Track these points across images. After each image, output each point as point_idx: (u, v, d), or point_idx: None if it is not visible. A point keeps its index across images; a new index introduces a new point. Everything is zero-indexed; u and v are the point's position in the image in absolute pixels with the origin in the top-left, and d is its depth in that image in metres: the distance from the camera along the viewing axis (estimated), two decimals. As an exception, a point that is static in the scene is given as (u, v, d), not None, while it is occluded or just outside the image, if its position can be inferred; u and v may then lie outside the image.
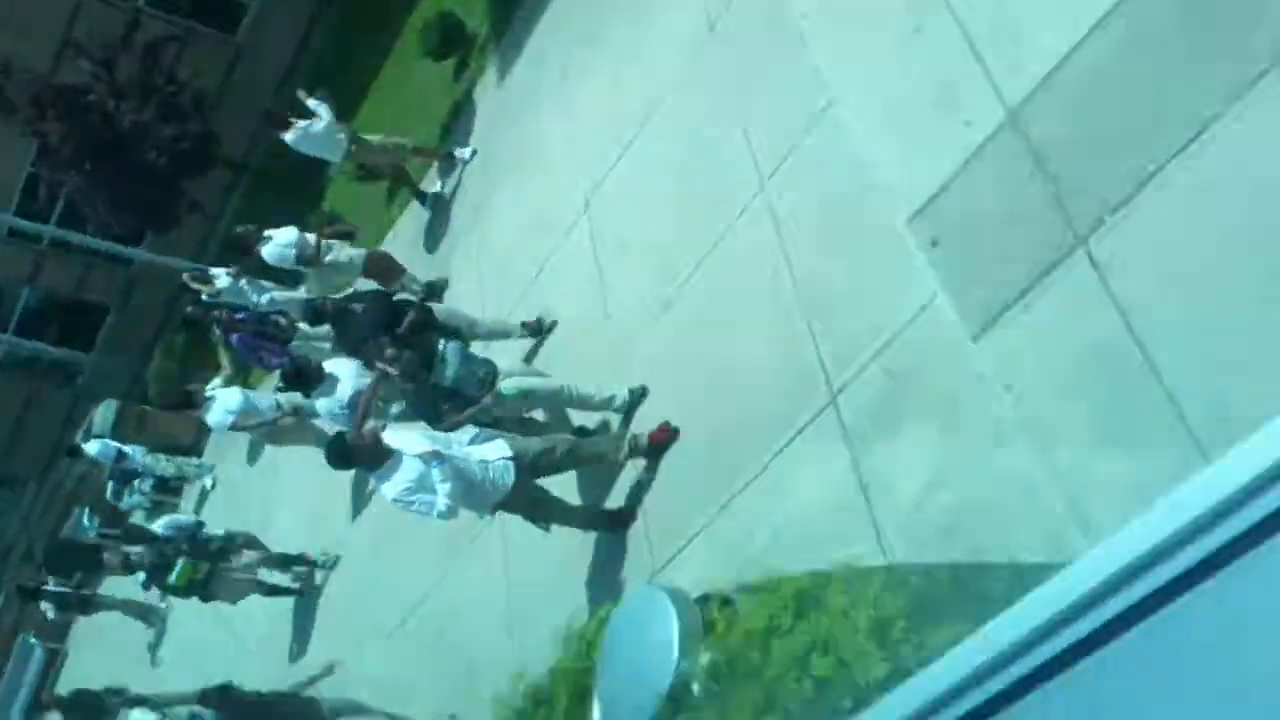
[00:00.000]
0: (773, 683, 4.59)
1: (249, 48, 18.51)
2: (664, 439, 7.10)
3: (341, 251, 10.61)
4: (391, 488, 6.66)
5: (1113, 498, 4.42)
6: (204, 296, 11.77)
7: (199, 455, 17.00)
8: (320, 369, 8.86)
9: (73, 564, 15.35)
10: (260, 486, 14.37)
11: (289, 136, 11.40)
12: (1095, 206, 5.04)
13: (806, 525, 5.84)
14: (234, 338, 10.86)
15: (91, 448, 15.19)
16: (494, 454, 6.76)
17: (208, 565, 10.80)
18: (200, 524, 13.08)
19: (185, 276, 12.56)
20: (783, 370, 6.39)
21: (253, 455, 14.75)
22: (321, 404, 8.95)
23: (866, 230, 6.25)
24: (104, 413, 17.68)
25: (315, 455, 9.12)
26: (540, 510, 7.10)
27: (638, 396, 7.58)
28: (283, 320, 10.80)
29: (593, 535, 7.33)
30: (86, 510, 18.36)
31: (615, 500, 7.42)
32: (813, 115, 6.98)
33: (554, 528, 7.20)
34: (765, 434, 6.33)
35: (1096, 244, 4.99)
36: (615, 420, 7.73)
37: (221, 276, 11.61)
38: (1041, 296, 5.17)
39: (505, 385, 7.43)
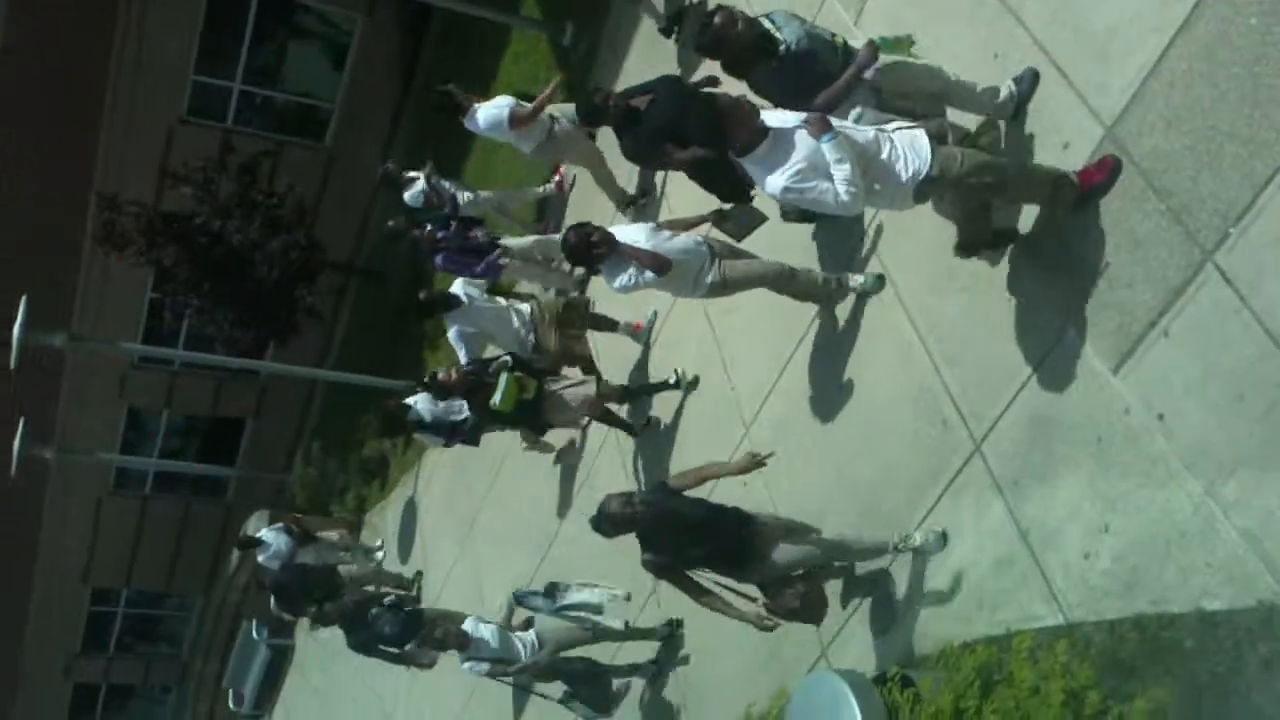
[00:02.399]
0: (971, 770, 4.48)
1: (339, 152, 18.94)
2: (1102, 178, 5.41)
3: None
4: (779, 176, 5.23)
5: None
6: (405, 198, 11.44)
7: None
8: None
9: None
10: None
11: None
12: (1216, 219, 4.86)
13: (971, 585, 5.70)
14: (438, 258, 10.35)
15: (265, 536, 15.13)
16: (892, 125, 5.40)
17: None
18: None
19: (388, 166, 12.24)
20: (920, 426, 6.27)
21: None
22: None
23: (977, 269, 6.10)
24: (256, 523, 18.20)
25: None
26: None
27: (1026, 90, 5.91)
28: (480, 234, 10.34)
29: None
30: (255, 622, 18.90)
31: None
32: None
33: None
34: (912, 493, 6.22)
35: (1225, 257, 4.81)
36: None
37: (419, 180, 11.31)
38: (1177, 318, 4.99)
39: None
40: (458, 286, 10.10)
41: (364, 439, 17.21)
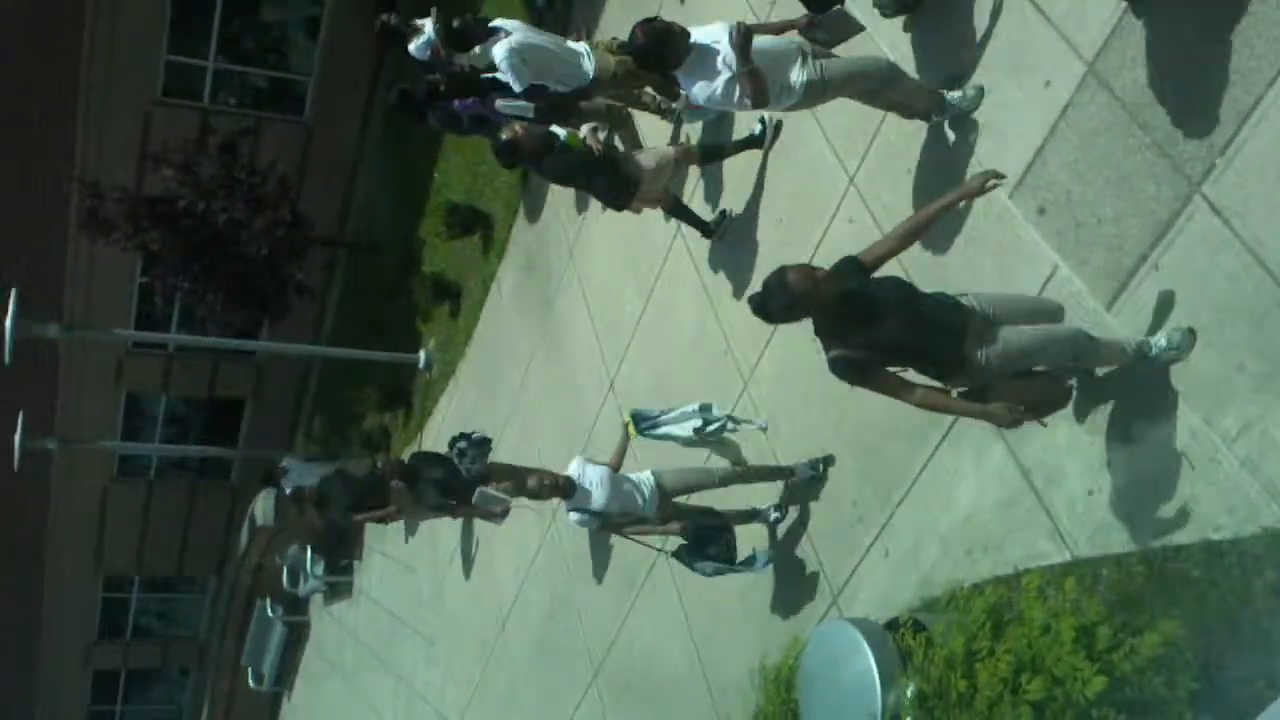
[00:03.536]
0: (988, 711, 4.54)
1: (319, 124, 18.80)
2: None
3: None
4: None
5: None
6: (411, 50, 10.28)
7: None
8: None
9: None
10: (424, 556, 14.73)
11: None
12: (1202, 150, 4.86)
13: (977, 527, 5.76)
14: (456, 104, 9.53)
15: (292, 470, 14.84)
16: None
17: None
18: None
19: (388, 17, 10.78)
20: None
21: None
22: None
23: (970, 210, 6.10)
24: (263, 504, 18.30)
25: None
26: None
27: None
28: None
29: (764, 567, 7.25)
30: (269, 601, 19.05)
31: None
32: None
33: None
34: (913, 440, 6.25)
35: (1212, 188, 4.82)
36: None
37: (426, 29, 10.11)
38: (1167, 251, 5.02)
39: None
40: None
41: (364, 412, 17.23)
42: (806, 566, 7.10)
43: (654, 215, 9.02)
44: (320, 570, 16.54)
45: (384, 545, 16.50)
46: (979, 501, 5.78)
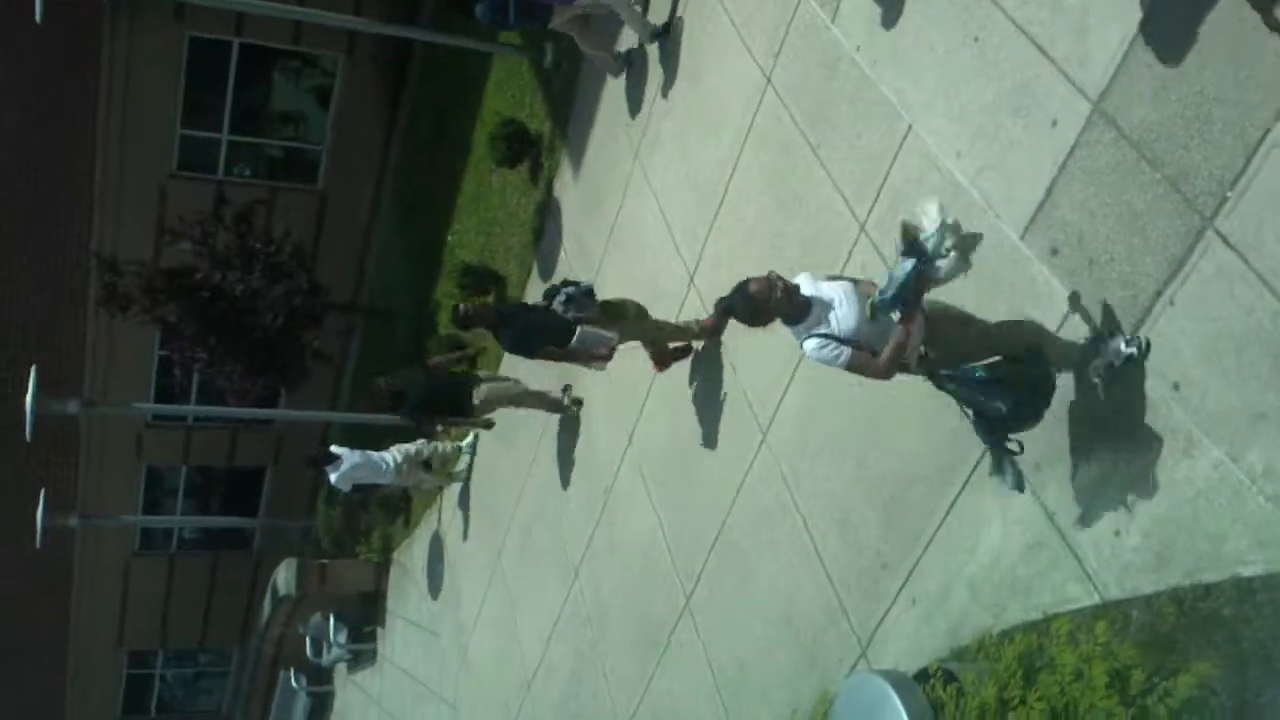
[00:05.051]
0: (1021, 762, 4.45)
1: (332, 193, 19.00)
2: None
3: None
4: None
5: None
6: None
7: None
8: None
9: None
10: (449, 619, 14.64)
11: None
12: (1213, 184, 4.85)
13: (1004, 572, 5.68)
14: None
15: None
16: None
17: None
18: None
19: None
20: (933, 413, 6.23)
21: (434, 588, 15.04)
22: None
23: (982, 253, 6.07)
24: (286, 573, 18.24)
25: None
26: None
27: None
28: None
29: (791, 616, 7.22)
30: (293, 671, 18.93)
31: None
32: (895, 144, 6.84)
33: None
34: (935, 484, 6.19)
35: (1224, 222, 4.80)
36: None
37: None
38: (1182, 287, 4.97)
39: None
40: None
41: (385, 476, 17.19)
42: (833, 617, 7.01)
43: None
44: (344, 639, 16.45)
45: (406, 610, 16.43)
46: (1005, 545, 5.71)
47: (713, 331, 8.63)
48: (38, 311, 18.34)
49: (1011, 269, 5.90)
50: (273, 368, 16.93)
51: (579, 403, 11.17)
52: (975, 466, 5.89)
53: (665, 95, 9.84)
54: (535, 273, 12.69)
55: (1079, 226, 5.52)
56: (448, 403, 11.41)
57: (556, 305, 8.99)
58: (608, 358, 9.01)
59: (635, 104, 10.45)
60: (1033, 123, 5.81)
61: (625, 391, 10.17)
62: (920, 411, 6.34)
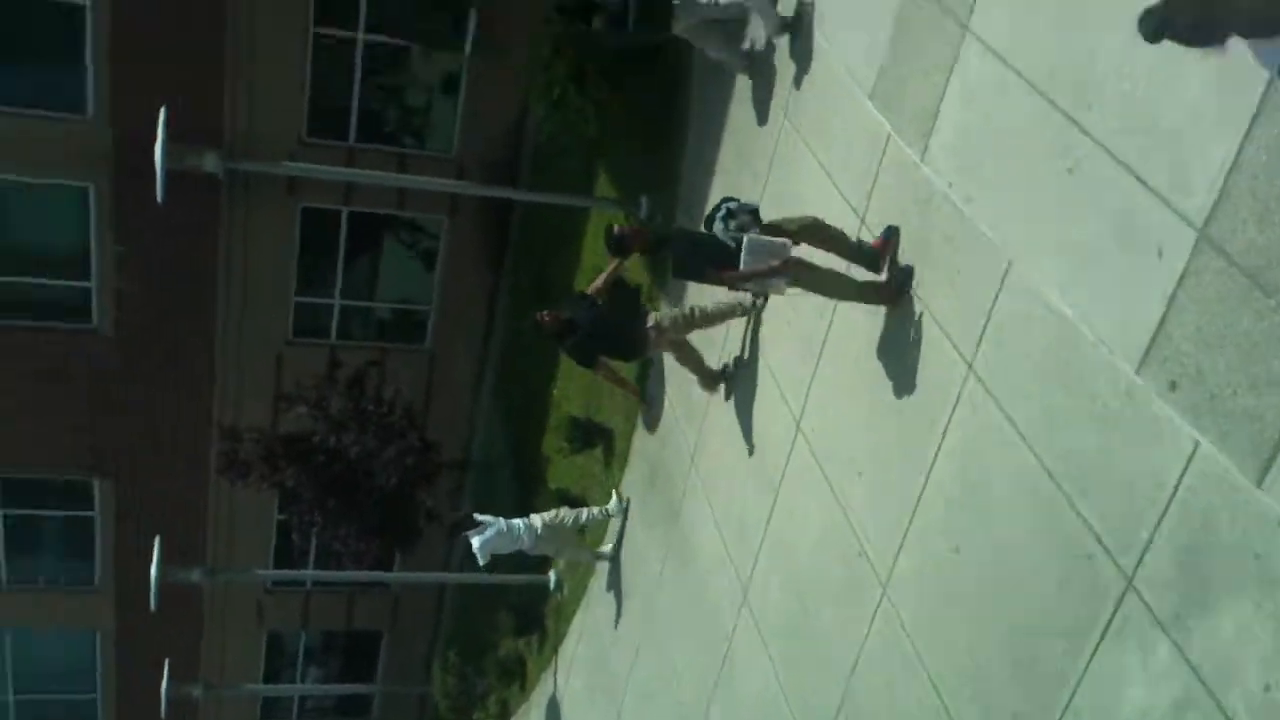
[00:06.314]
0: None
1: (441, 351, 19.29)
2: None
3: None
4: None
5: None
6: None
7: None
8: None
9: None
10: None
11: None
12: (1333, 308, 4.56)
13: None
14: None
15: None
16: None
17: None
18: None
19: None
20: (1065, 566, 5.90)
21: None
22: None
23: (1097, 392, 5.81)
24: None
25: None
26: None
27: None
28: None
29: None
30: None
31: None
32: (997, 282, 6.64)
33: None
34: (1070, 638, 5.82)
35: (1355, 347, 4.50)
36: None
37: None
38: (1314, 419, 4.66)
39: None
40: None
41: (498, 640, 17.02)
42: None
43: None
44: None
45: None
46: (1150, 702, 5.29)
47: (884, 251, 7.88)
48: (161, 482, 18.75)
49: (1129, 407, 5.62)
50: (386, 529, 17.03)
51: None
52: (1111, 617, 5.52)
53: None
54: (640, 424, 12.61)
55: (1196, 359, 5.25)
56: (617, 335, 10.56)
57: (717, 226, 8.17)
58: (786, 271, 7.68)
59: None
60: (1138, 253, 5.59)
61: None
62: (1045, 559, 6.01)
